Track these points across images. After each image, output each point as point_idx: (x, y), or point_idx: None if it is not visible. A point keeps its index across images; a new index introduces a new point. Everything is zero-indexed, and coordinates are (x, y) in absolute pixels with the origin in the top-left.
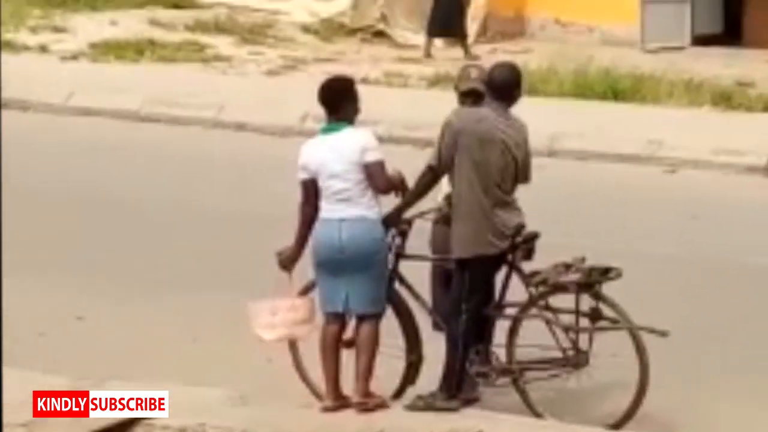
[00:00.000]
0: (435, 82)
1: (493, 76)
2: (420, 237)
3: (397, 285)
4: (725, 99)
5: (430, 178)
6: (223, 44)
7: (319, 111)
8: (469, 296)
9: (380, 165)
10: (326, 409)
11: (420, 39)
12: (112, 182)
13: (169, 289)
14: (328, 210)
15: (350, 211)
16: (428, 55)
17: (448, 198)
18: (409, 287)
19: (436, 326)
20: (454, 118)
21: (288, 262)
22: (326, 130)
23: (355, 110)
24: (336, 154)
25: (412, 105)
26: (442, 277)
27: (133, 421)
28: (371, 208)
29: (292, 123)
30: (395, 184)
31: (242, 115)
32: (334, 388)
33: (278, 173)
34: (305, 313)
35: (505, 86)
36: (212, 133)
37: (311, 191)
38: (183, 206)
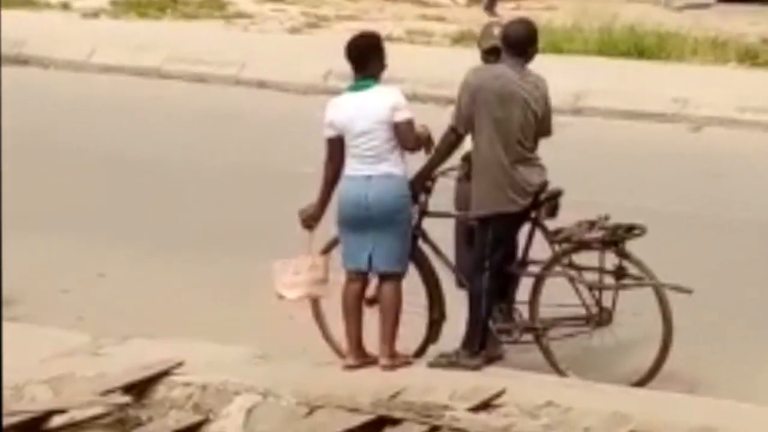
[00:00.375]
0: (458, 39)
1: (508, 32)
2: (444, 194)
3: (420, 242)
4: (751, 56)
5: (452, 138)
6: (245, 1)
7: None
8: (491, 253)
9: (410, 124)
10: (348, 367)
11: None
12: (133, 140)
13: (191, 247)
14: (354, 168)
15: (377, 168)
16: (492, 12)
17: (468, 156)
18: (432, 245)
19: (460, 284)
20: (472, 76)
21: (311, 220)
22: (354, 88)
23: (382, 67)
24: (364, 111)
25: (435, 63)
26: (465, 235)
27: (155, 378)
28: (398, 166)
29: (315, 81)
30: (423, 142)
31: (264, 73)
32: (357, 346)
33: (301, 131)
34: (324, 272)
35: (520, 42)
36: (234, 91)
37: (337, 149)
38: (204, 164)
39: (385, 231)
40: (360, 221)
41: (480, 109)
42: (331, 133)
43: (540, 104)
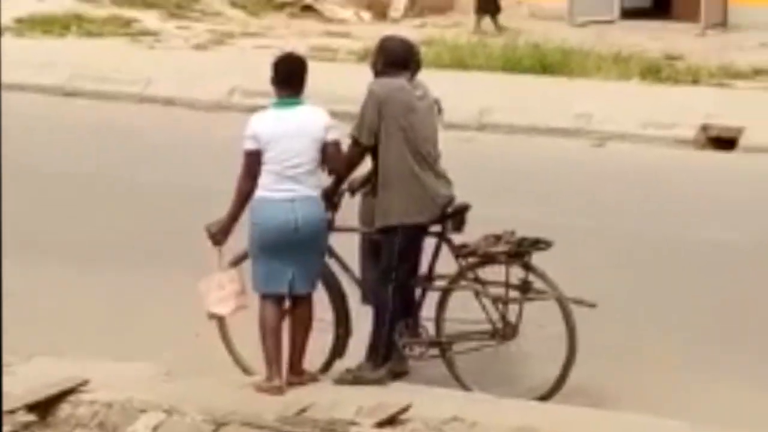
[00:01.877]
0: (363, 56)
1: (387, 49)
2: (347, 209)
3: (326, 258)
4: (654, 72)
5: (357, 152)
6: (150, 18)
7: (248, 86)
8: (397, 265)
9: (339, 145)
10: (279, 389)
11: (347, 13)
12: (39, 157)
13: (97, 263)
14: (274, 189)
15: (300, 190)
16: (496, 24)
17: (374, 170)
18: (338, 260)
19: (365, 299)
20: (377, 87)
21: (219, 235)
22: (281, 104)
23: (304, 89)
24: (296, 129)
25: (340, 79)
26: (370, 250)
27: (60, 396)
28: (317, 188)
29: (220, 98)
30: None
31: (170, 90)
32: (280, 368)
33: (207, 148)
34: (241, 284)
35: (399, 58)
36: (140, 108)
37: (255, 164)
38: (110, 181)
39: (309, 253)
40: (286, 245)
41: (387, 120)
42: (252, 145)
43: (434, 115)
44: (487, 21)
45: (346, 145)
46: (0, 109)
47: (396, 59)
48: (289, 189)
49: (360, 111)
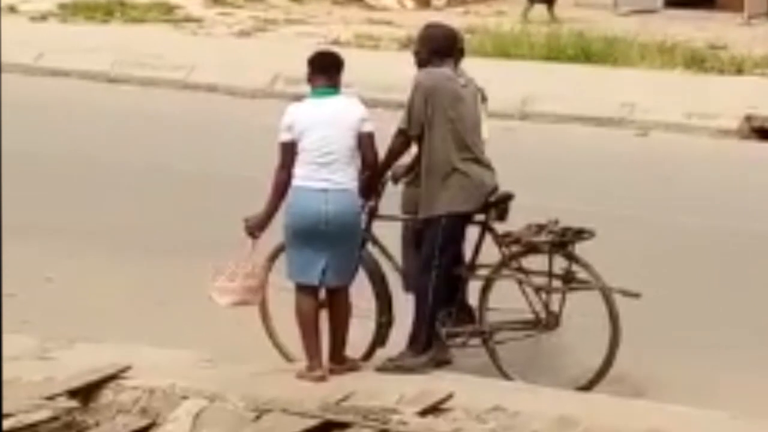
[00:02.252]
0: (406, 44)
1: (429, 38)
2: (389, 198)
3: (369, 246)
4: (698, 62)
5: (401, 141)
6: (193, 5)
7: (290, 73)
8: (440, 253)
9: (374, 137)
10: (320, 378)
11: (390, 0)
12: (82, 143)
13: (139, 251)
14: (309, 177)
15: (334, 180)
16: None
17: (417, 159)
18: (381, 248)
19: (407, 287)
20: (424, 77)
21: (256, 228)
22: (319, 94)
23: (339, 84)
24: (332, 117)
25: (383, 67)
26: (413, 239)
27: (102, 382)
28: (353, 180)
29: (263, 85)
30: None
31: (212, 77)
32: (320, 357)
33: (249, 135)
34: (260, 281)
35: (441, 46)
36: (182, 95)
37: (290, 153)
38: (153, 168)
39: (341, 246)
40: (316, 235)
41: (435, 111)
42: (287, 136)
43: (479, 104)
44: (536, 10)
45: (385, 136)
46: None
47: (440, 47)
48: (323, 179)
49: (407, 102)
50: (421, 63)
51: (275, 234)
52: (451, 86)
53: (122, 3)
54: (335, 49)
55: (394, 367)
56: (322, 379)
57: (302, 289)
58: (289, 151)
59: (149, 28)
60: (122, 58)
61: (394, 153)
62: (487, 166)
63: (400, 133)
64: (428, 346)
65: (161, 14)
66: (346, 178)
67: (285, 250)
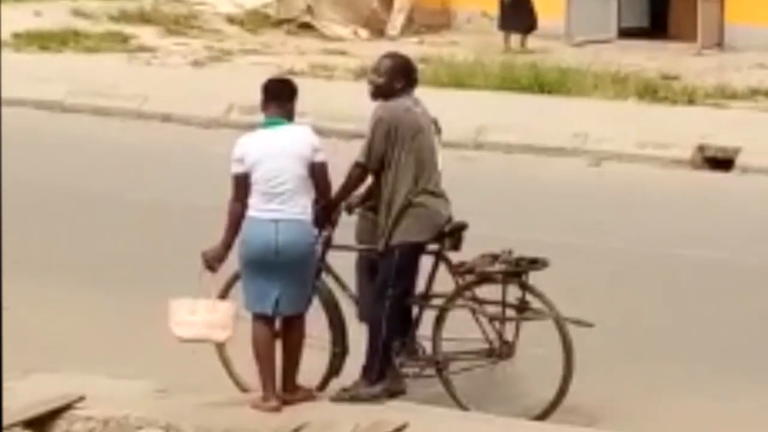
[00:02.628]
0: (360, 74)
1: (408, 67)
2: (344, 228)
3: (324, 275)
4: (651, 92)
5: (358, 173)
6: (147, 35)
7: (245, 102)
8: (394, 283)
9: (326, 167)
10: (275, 409)
11: (345, 31)
12: (36, 173)
13: (94, 280)
14: (261, 209)
15: (286, 210)
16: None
17: (372, 189)
18: (336, 277)
19: (362, 317)
20: (383, 112)
21: (214, 261)
22: (269, 125)
23: (294, 114)
24: (282, 148)
25: (337, 97)
26: (367, 268)
27: (56, 412)
28: (306, 210)
29: (218, 115)
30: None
31: (167, 107)
32: (274, 387)
33: (203, 164)
34: (225, 318)
35: (414, 75)
36: (137, 124)
37: (243, 186)
38: (107, 197)
39: (294, 276)
40: (267, 265)
41: (395, 144)
42: (239, 169)
43: (434, 133)
44: (494, 42)
45: (338, 164)
46: (0, 123)
47: (406, 77)
48: (274, 209)
49: (368, 137)
50: (385, 94)
51: (232, 265)
52: (411, 118)
53: (76, 33)
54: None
55: (348, 397)
56: (276, 409)
57: (258, 318)
58: (241, 184)
59: (104, 57)
60: (76, 87)
61: (351, 185)
62: (442, 196)
63: (358, 165)
64: (382, 376)
65: (116, 44)
66: (298, 208)
67: (241, 280)
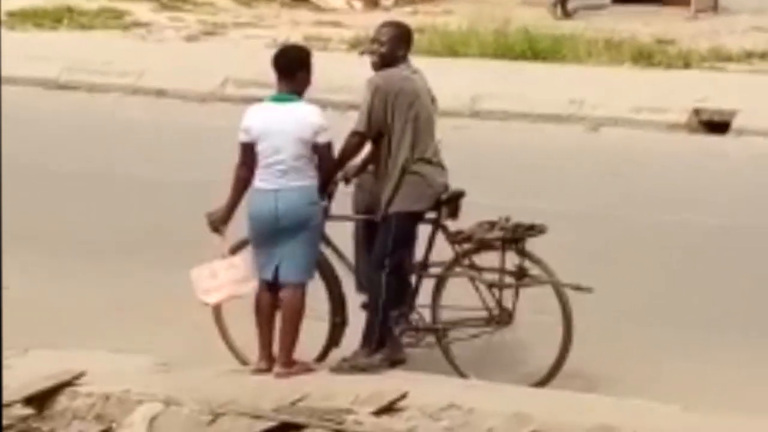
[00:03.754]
0: (355, 44)
1: (409, 35)
2: (341, 198)
3: (322, 246)
4: (645, 57)
5: (356, 143)
6: (141, 10)
7: (240, 76)
8: (393, 252)
9: (330, 147)
10: (259, 371)
11: (339, 2)
12: (32, 150)
13: (93, 256)
14: (263, 180)
15: (286, 182)
16: (567, 14)
17: (369, 159)
18: (334, 248)
19: (360, 287)
20: (381, 80)
21: (219, 223)
22: (277, 99)
23: (308, 83)
24: (283, 126)
25: (332, 68)
26: (365, 239)
27: (56, 389)
28: (308, 178)
29: (213, 89)
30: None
31: (162, 82)
32: (269, 353)
33: (199, 139)
34: (245, 270)
35: (409, 43)
36: (132, 100)
37: (249, 154)
38: (104, 173)
39: (296, 241)
40: (270, 233)
41: (393, 113)
42: (245, 138)
43: (431, 100)
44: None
45: (334, 136)
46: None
47: (407, 45)
48: (275, 181)
49: (365, 105)
50: (388, 63)
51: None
52: (409, 86)
53: (70, 9)
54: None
55: (348, 367)
56: (259, 371)
57: (261, 285)
58: (247, 151)
59: (98, 34)
60: (71, 64)
61: (348, 154)
62: (439, 165)
63: (355, 134)
64: (381, 346)
65: (110, 20)
66: (299, 178)
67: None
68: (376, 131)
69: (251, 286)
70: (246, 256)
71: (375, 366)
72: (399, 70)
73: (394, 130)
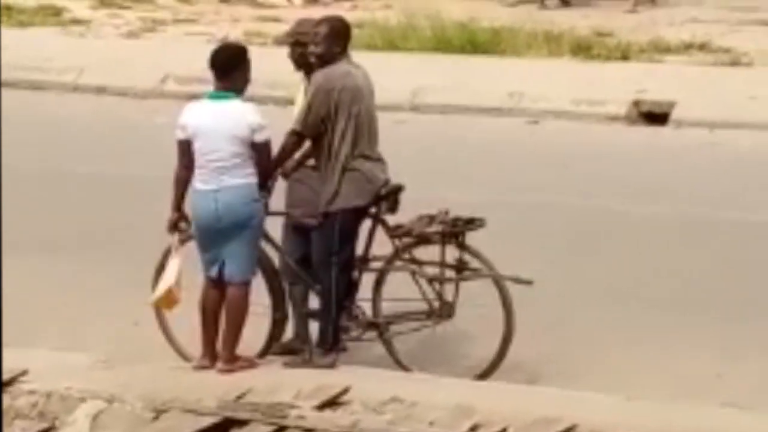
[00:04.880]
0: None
1: (344, 31)
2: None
3: (262, 242)
4: (584, 49)
5: (294, 141)
6: (79, 8)
7: (180, 73)
8: (340, 248)
9: (268, 145)
10: (202, 367)
11: None
12: None
13: (32, 253)
14: (202, 180)
15: (225, 180)
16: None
17: (306, 155)
18: (274, 244)
19: (286, 275)
20: (322, 78)
21: (171, 225)
22: (214, 97)
23: (246, 81)
24: (219, 124)
25: (271, 64)
26: (294, 232)
27: None
28: (247, 176)
29: (153, 85)
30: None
31: (102, 79)
32: (213, 350)
33: (140, 135)
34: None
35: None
36: (72, 97)
37: (186, 151)
38: (45, 171)
39: (238, 240)
40: (212, 233)
41: (336, 110)
42: (181, 135)
43: (373, 97)
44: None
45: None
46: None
47: (346, 41)
48: (213, 180)
49: (305, 103)
50: (326, 61)
51: None
52: (351, 83)
53: (9, 7)
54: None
55: (302, 362)
56: (205, 368)
57: (208, 282)
58: (184, 149)
59: (37, 31)
60: (10, 62)
61: (286, 153)
62: (379, 160)
63: (294, 133)
64: (337, 343)
65: (49, 17)
66: (237, 176)
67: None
68: (314, 129)
69: (163, 289)
70: (177, 260)
71: (328, 366)
72: (340, 66)
73: (336, 128)
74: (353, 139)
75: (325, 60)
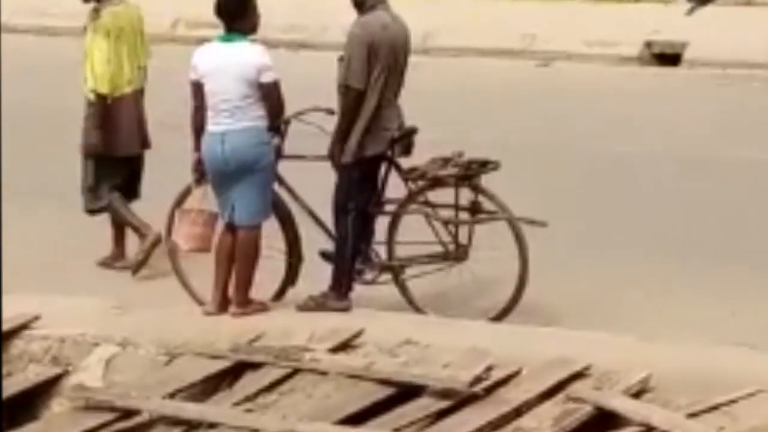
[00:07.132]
0: None
1: None
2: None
3: (276, 186)
4: None
5: (352, 98)
6: None
7: (191, 17)
8: (357, 195)
9: (276, 85)
10: (208, 313)
11: None
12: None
13: (49, 200)
14: (212, 122)
15: (233, 123)
16: None
17: None
18: (288, 188)
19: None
20: (360, 30)
21: (194, 169)
22: (221, 39)
23: (253, 25)
24: (227, 66)
25: (285, 7)
26: None
27: (12, 332)
28: (255, 119)
29: (163, 30)
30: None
31: None
32: (223, 294)
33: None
34: (207, 226)
35: None
36: (81, 43)
37: (198, 93)
38: (60, 115)
39: (246, 183)
40: (221, 176)
41: (373, 63)
42: (193, 76)
43: (409, 46)
44: None
45: (287, 76)
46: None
47: None
48: (221, 122)
49: (346, 57)
50: (358, 6)
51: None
52: (387, 35)
53: None
54: None
55: (315, 305)
56: (208, 313)
57: (225, 227)
58: (197, 90)
59: None
60: (20, 7)
61: (350, 110)
62: (395, 106)
63: (348, 90)
64: (350, 288)
65: None
66: (245, 119)
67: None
68: (363, 80)
69: (212, 243)
70: (211, 213)
71: (343, 308)
72: (378, 15)
73: (371, 80)
74: (381, 90)
75: (358, 6)
